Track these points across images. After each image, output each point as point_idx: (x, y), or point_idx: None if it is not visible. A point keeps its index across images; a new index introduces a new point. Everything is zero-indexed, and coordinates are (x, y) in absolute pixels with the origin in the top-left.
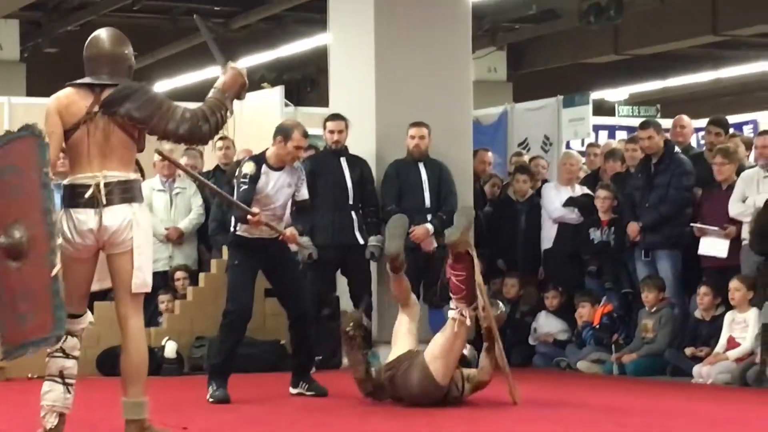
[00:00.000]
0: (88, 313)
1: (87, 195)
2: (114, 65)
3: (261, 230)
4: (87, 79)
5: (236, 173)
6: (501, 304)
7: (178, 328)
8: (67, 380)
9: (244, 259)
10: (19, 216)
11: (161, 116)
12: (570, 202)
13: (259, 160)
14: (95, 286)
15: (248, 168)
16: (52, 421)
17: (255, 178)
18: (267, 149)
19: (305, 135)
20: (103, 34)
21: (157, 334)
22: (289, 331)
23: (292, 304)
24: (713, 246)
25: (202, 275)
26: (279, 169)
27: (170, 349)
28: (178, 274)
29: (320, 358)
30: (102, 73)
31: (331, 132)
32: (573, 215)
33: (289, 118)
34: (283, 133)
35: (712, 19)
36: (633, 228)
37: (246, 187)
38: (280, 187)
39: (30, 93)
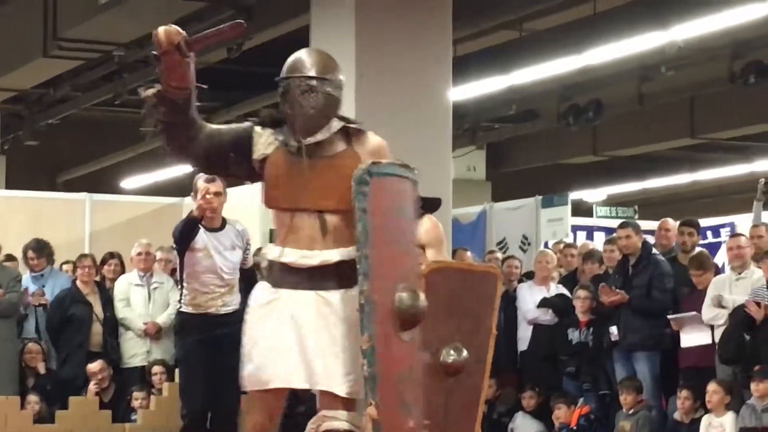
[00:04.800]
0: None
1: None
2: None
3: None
4: None
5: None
6: None
7: (154, 424)
8: None
9: (191, 349)
10: None
11: None
12: (544, 303)
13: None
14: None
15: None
16: None
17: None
18: None
19: (209, 180)
20: (305, 57)
21: (132, 430)
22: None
23: (218, 398)
24: (695, 337)
25: (178, 370)
26: (213, 229)
27: None
28: (156, 369)
29: None
30: None
31: None
32: (547, 316)
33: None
34: (193, 189)
35: (690, 123)
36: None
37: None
38: (221, 250)
39: (9, 186)
